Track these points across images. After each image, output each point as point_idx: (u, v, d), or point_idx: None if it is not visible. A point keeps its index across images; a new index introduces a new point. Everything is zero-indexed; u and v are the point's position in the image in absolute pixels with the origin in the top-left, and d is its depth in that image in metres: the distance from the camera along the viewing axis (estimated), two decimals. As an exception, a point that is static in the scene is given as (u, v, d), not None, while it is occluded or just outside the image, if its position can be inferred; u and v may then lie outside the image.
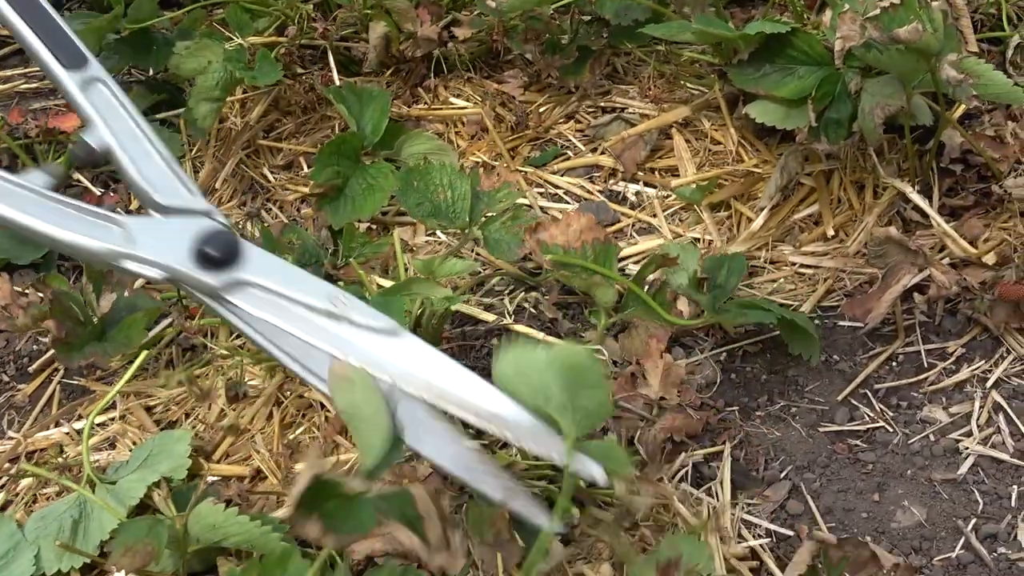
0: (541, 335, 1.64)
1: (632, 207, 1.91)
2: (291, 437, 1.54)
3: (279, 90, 2.08)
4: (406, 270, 1.65)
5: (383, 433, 1.14)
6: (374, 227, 1.85)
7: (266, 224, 1.89)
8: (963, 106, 1.85)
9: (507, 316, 1.67)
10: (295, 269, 1.33)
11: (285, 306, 1.27)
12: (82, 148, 1.45)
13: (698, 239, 1.83)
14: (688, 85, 2.07)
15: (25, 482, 1.53)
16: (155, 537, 1.25)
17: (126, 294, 1.67)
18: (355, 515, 1.14)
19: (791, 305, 1.72)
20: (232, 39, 1.93)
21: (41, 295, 1.60)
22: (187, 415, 1.61)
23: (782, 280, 1.76)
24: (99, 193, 1.97)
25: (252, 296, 1.28)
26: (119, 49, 2.09)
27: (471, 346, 1.61)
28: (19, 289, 1.76)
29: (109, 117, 1.47)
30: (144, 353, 1.53)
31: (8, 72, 2.33)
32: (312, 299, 1.27)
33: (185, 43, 1.94)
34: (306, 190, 1.93)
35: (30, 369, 1.73)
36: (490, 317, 1.64)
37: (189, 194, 1.39)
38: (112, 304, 1.64)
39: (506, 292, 1.74)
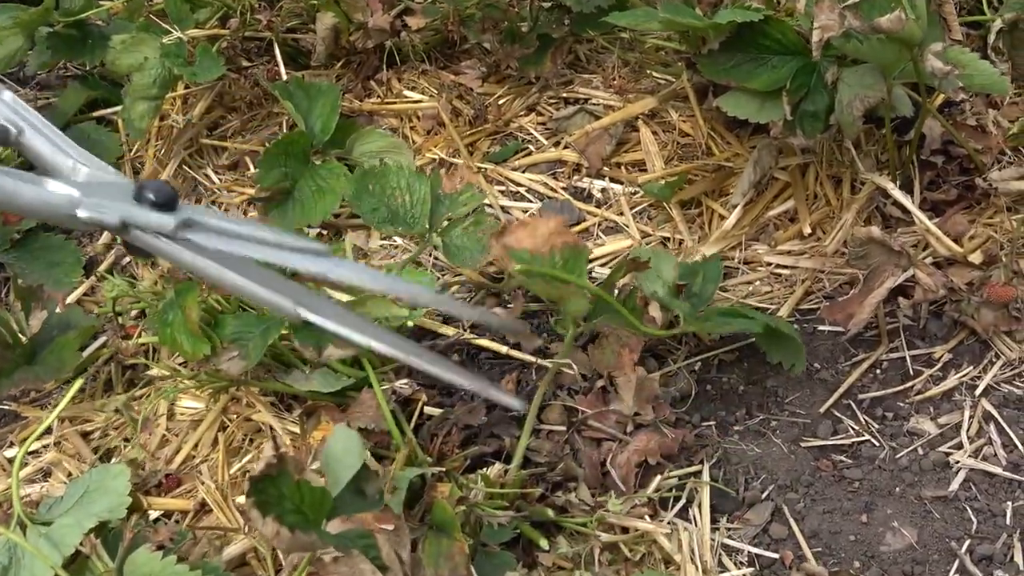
0: (504, 348, 1.53)
1: (598, 205, 1.81)
2: (237, 466, 1.44)
3: (223, 85, 1.97)
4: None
5: (350, 472, 1.16)
6: (325, 232, 1.74)
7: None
8: (942, 95, 1.76)
9: (466, 330, 1.57)
10: (221, 212, 1.38)
11: (233, 239, 1.20)
12: None
13: (668, 238, 1.74)
14: (654, 74, 1.97)
15: (-49, 519, 1.43)
16: (85, 595, 1.15)
17: (57, 310, 1.56)
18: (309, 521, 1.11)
19: (768, 309, 1.63)
20: (171, 32, 1.81)
21: None
22: (127, 440, 1.50)
23: (758, 282, 1.67)
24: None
25: (201, 233, 1.18)
26: (52, 43, 1.96)
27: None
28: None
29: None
30: (79, 382, 1.41)
31: None
32: (252, 231, 1.18)
33: (121, 37, 1.82)
34: (253, 192, 1.82)
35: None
36: (450, 331, 1.54)
37: (100, 163, 1.30)
38: (43, 323, 1.53)
39: (468, 301, 1.64)
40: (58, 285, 1.70)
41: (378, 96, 1.98)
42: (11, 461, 1.50)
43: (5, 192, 1.22)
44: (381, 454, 1.37)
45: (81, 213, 1.20)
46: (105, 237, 1.81)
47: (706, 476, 1.40)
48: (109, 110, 2.00)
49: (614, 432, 1.40)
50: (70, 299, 1.68)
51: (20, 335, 1.53)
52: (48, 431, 1.51)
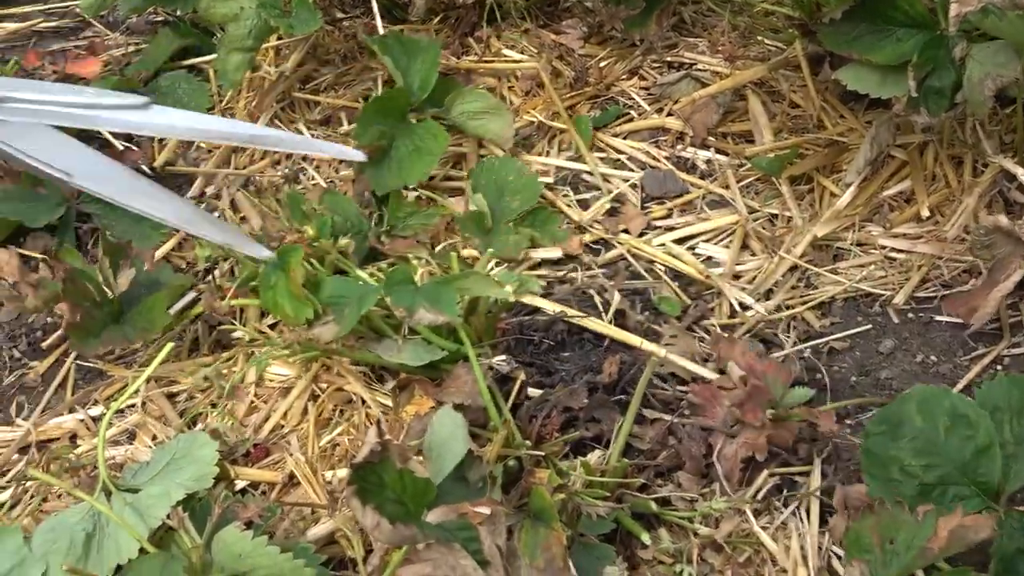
0: (609, 329, 1.47)
1: (702, 176, 1.73)
2: (327, 439, 1.39)
3: (317, 37, 1.91)
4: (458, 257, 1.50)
5: (455, 460, 1.15)
6: (422, 196, 1.68)
7: (302, 188, 1.73)
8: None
9: (569, 305, 1.50)
10: (41, 83, 1.47)
11: (42, 109, 1.32)
12: None
13: (776, 215, 1.66)
14: (765, 40, 1.88)
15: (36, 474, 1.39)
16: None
17: (146, 268, 1.52)
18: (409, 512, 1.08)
19: (881, 296, 1.55)
20: (268, -20, 1.76)
21: (53, 271, 1.45)
22: (213, 405, 1.46)
23: (872, 266, 1.59)
24: (121, 148, 1.81)
25: (10, 109, 1.32)
26: (144, -11, 1.92)
27: (528, 340, 1.45)
28: (34, 254, 1.62)
29: None
30: (169, 345, 1.37)
31: (27, 8, 2.15)
32: (66, 97, 1.33)
33: (217, -14, 1.76)
34: (346, 149, 1.76)
35: (43, 345, 1.58)
36: (550, 307, 1.47)
37: None
38: (131, 281, 1.49)
39: (566, 272, 1.58)
40: (145, 240, 1.66)
41: (476, 54, 1.91)
42: (95, 420, 1.47)
43: None
44: (475, 432, 1.32)
45: None
46: (195, 189, 1.76)
47: (816, 474, 1.33)
48: (200, 59, 1.95)
49: (722, 422, 1.33)
50: (158, 254, 1.64)
51: (108, 293, 1.49)
52: (134, 391, 1.47)
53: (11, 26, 2.09)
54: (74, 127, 1.35)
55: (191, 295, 1.58)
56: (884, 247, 1.60)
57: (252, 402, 1.44)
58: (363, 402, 1.42)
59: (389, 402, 1.41)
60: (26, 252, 1.67)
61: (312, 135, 1.82)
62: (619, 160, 1.76)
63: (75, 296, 1.43)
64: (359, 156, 1.34)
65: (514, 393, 1.37)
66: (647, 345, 1.44)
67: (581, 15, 1.94)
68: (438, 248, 1.57)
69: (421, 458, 1.15)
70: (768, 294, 1.57)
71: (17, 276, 1.47)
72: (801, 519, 1.29)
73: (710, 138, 1.77)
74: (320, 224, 1.48)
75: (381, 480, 1.05)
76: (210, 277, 1.55)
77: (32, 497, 1.38)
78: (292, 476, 1.35)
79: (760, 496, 1.31)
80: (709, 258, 1.62)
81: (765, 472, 1.32)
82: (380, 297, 1.36)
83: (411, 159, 1.66)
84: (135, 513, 1.22)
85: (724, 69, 1.84)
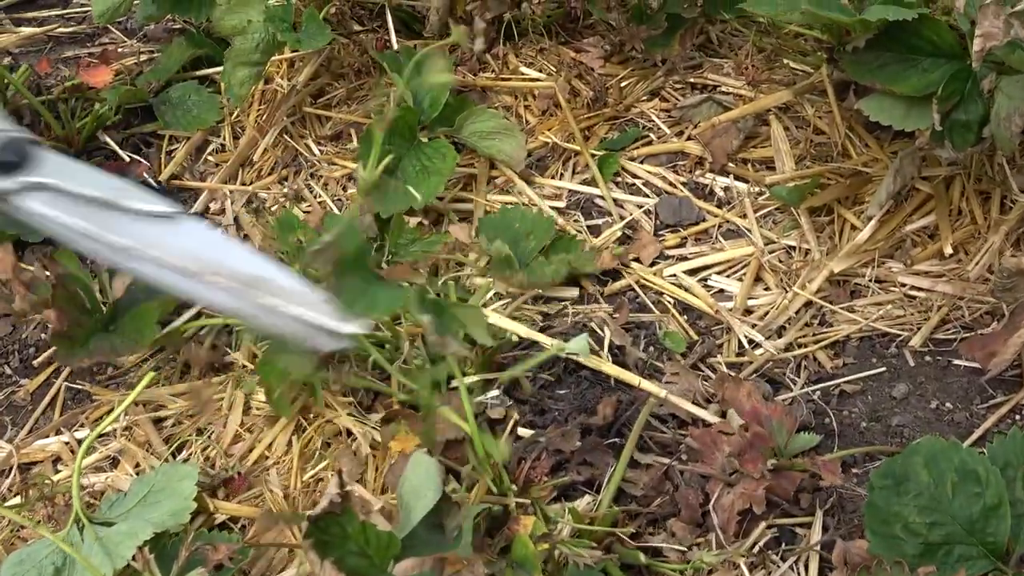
0: (608, 368, 1.41)
1: (720, 204, 1.67)
2: (311, 473, 1.34)
3: (331, 50, 1.87)
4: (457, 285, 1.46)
5: (426, 508, 1.11)
6: (425, 221, 1.64)
7: (308, 206, 1.69)
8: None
9: (568, 340, 1.45)
10: (87, 168, 1.19)
11: (66, 202, 1.15)
12: None
13: (793, 248, 1.60)
14: (791, 64, 1.82)
15: (12, 502, 1.36)
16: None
17: None
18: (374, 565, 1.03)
19: (898, 336, 1.48)
20: (280, -8, 1.72)
21: (48, 273, 1.42)
22: (200, 431, 1.42)
23: (889, 305, 1.52)
24: (127, 160, 1.78)
25: (41, 195, 1.15)
26: (159, 3, 1.88)
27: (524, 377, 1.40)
28: (30, 268, 1.59)
29: None
30: (150, 374, 1.33)
31: (46, 12, 2.13)
32: (98, 192, 1.16)
33: (228, -4, 1.73)
34: (354, 166, 1.72)
35: (35, 362, 1.55)
36: (548, 341, 1.42)
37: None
38: (126, 288, 1.45)
39: (568, 304, 1.52)
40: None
41: (493, 71, 1.86)
42: (80, 443, 1.44)
43: None
44: (459, 471, 1.27)
45: None
46: (200, 204, 1.73)
47: (818, 526, 1.27)
48: (213, 69, 1.91)
49: (721, 469, 1.27)
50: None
51: (101, 299, 1.45)
52: (115, 419, 1.44)
53: (28, 30, 2.06)
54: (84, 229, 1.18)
55: (187, 314, 1.54)
56: (904, 285, 1.54)
57: (237, 431, 1.40)
58: (349, 434, 1.37)
59: (378, 435, 1.36)
60: (23, 266, 1.63)
61: (322, 151, 1.78)
62: (635, 185, 1.71)
63: (64, 302, 1.39)
64: (351, 328, 1.22)
65: (506, 433, 1.32)
66: (645, 384, 1.39)
67: (603, 33, 1.89)
68: (440, 276, 1.52)
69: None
70: (780, 331, 1.51)
71: (10, 274, 1.43)
72: (799, 575, 1.23)
73: (730, 164, 1.71)
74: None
75: (344, 532, 1.01)
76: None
77: (8, 523, 1.35)
78: (271, 512, 1.31)
79: (756, 549, 1.25)
80: (721, 291, 1.56)
81: (763, 524, 1.27)
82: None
83: (417, 179, 1.61)
84: (103, 550, 1.18)
85: (748, 92, 1.78)
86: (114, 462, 1.41)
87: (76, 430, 1.45)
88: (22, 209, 1.14)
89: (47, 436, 1.45)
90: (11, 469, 1.42)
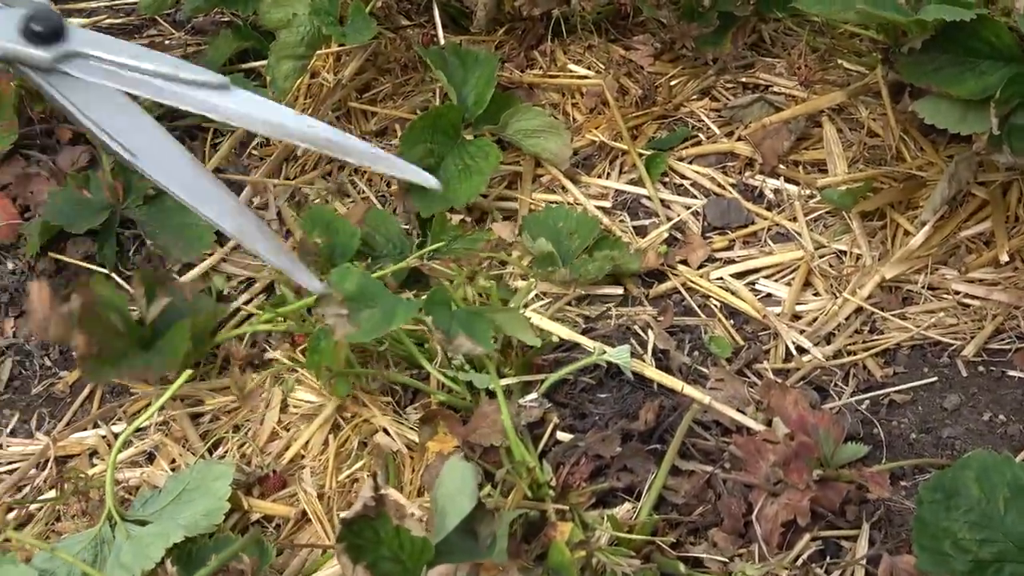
0: (651, 372, 1.38)
1: (769, 207, 1.64)
2: (347, 473, 1.33)
3: (378, 44, 1.85)
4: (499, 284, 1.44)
5: (460, 515, 1.08)
6: (468, 219, 1.61)
7: (351, 201, 1.67)
8: None
9: (611, 343, 1.42)
10: (125, 42, 1.31)
11: (117, 72, 1.26)
12: None
13: (844, 252, 1.56)
14: (845, 64, 1.78)
15: (47, 495, 1.36)
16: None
17: (187, 298, 1.47)
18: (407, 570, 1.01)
19: (951, 345, 1.44)
20: (327, -15, 1.70)
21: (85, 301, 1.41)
22: (237, 428, 1.41)
23: (941, 313, 1.48)
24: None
25: (85, 66, 1.26)
26: (207, -10, 1.87)
27: (563, 380, 1.37)
28: (74, 260, 1.58)
29: None
30: (187, 373, 1.32)
31: (94, 3, 2.12)
32: (144, 63, 1.27)
33: (275, -12, 1.71)
34: (398, 162, 1.69)
35: (75, 354, 1.54)
36: (590, 344, 1.39)
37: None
38: (163, 309, 1.43)
39: (611, 306, 1.50)
40: (187, 251, 1.61)
41: (540, 68, 1.83)
42: (117, 437, 1.42)
43: None
44: (495, 473, 1.25)
45: None
46: (243, 198, 1.71)
47: (864, 540, 1.23)
48: (259, 63, 1.89)
49: (765, 478, 1.24)
50: (196, 271, 1.59)
51: (137, 320, 1.44)
52: (150, 416, 1.43)
53: (76, 21, 2.05)
54: (145, 97, 1.28)
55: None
56: (958, 292, 1.50)
57: (273, 428, 1.39)
58: (386, 432, 1.35)
59: (415, 436, 1.34)
60: (66, 259, 1.63)
61: (366, 146, 1.75)
62: (683, 185, 1.68)
63: (93, 326, 1.38)
64: (433, 182, 1.25)
65: (545, 436, 1.30)
66: (689, 390, 1.35)
67: (653, 30, 1.85)
68: (481, 274, 1.50)
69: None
70: (828, 338, 1.47)
71: (47, 309, 1.43)
72: (845, 588, 1.20)
73: (780, 166, 1.68)
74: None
75: (377, 536, 0.99)
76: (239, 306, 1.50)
77: (44, 515, 1.34)
78: (305, 513, 1.29)
79: (800, 561, 1.22)
80: (768, 296, 1.53)
81: (808, 536, 1.23)
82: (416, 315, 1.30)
83: (460, 178, 1.59)
84: (133, 550, 1.17)
85: (800, 93, 1.74)
86: (150, 457, 1.40)
87: (114, 423, 1.44)
88: (62, 82, 1.26)
89: (84, 429, 1.44)
90: (47, 462, 1.41)
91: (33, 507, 1.34)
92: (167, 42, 1.98)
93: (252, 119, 1.28)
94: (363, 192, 1.70)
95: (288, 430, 1.39)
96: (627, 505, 1.25)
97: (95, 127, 1.25)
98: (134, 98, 1.28)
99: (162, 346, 1.39)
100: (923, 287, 1.51)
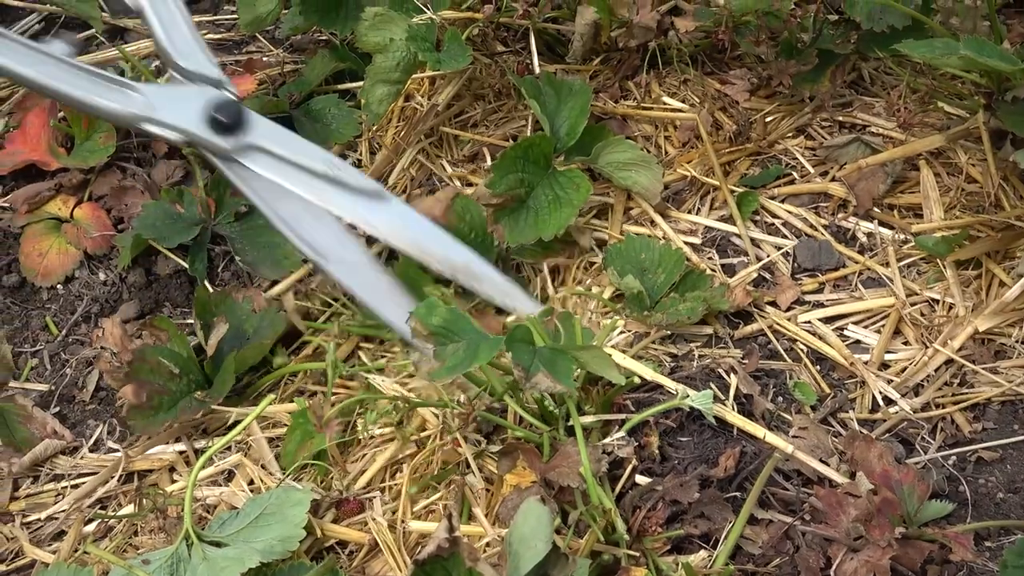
0: (728, 415, 1.37)
1: (861, 251, 1.61)
2: (422, 504, 1.32)
3: (473, 70, 1.85)
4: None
5: (535, 559, 1.10)
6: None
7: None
8: None
9: (694, 385, 1.40)
10: (296, 137, 1.48)
11: (288, 169, 1.43)
12: (119, 3, 1.55)
13: (936, 301, 1.53)
14: (946, 108, 1.74)
15: (125, 510, 1.37)
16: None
17: (253, 309, 1.49)
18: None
19: (1043, 404, 1.41)
20: (424, 10, 1.70)
21: (154, 337, 1.44)
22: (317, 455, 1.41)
23: (1036, 370, 1.45)
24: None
25: (260, 159, 1.44)
26: (305, 7, 1.87)
27: (644, 422, 1.35)
28: (164, 273, 1.61)
29: None
30: (269, 397, 1.32)
31: (196, 18, 2.15)
32: (312, 163, 1.44)
33: (373, 10, 1.72)
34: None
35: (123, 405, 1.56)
36: (673, 385, 1.38)
37: (207, 61, 1.50)
38: (218, 343, 1.45)
39: (696, 346, 1.48)
40: (275, 269, 1.63)
41: (634, 99, 1.82)
42: (197, 452, 1.44)
43: (77, 102, 1.45)
44: (569, 512, 1.24)
45: (148, 128, 1.45)
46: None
47: (945, 603, 1.21)
48: (354, 84, 1.91)
49: (845, 533, 1.22)
50: (277, 289, 1.60)
51: (199, 362, 1.47)
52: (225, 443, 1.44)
53: (179, 35, 2.08)
54: (305, 197, 1.44)
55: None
56: (1053, 349, 1.46)
57: (352, 453, 1.39)
58: (467, 464, 1.35)
59: (493, 467, 1.34)
60: (157, 272, 1.66)
61: (456, 170, 1.76)
62: (774, 224, 1.66)
63: (144, 374, 1.41)
64: (535, 306, 1.45)
65: (623, 478, 1.29)
66: (771, 437, 1.33)
67: (751, 65, 1.84)
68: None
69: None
70: (916, 389, 1.45)
71: (119, 345, 1.46)
72: (921, 653, 1.17)
73: (875, 209, 1.65)
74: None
75: (449, 576, 0.99)
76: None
77: (122, 529, 1.36)
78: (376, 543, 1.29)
79: (876, 619, 1.19)
80: (857, 342, 1.51)
81: (884, 596, 1.20)
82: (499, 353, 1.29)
83: (549, 209, 1.59)
84: (208, 572, 1.18)
85: (898, 135, 1.71)
86: (228, 476, 1.41)
87: (194, 439, 1.45)
88: (239, 171, 1.44)
89: (165, 443, 1.45)
90: (125, 476, 1.43)
91: (111, 520, 1.36)
92: (265, 59, 2.00)
93: (400, 237, 1.45)
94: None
95: (366, 454, 1.39)
96: (703, 553, 1.23)
97: (280, 222, 1.43)
98: None
99: (218, 382, 1.42)
100: (1017, 341, 1.48)
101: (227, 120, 1.42)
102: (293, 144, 1.46)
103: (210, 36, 2.10)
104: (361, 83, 1.85)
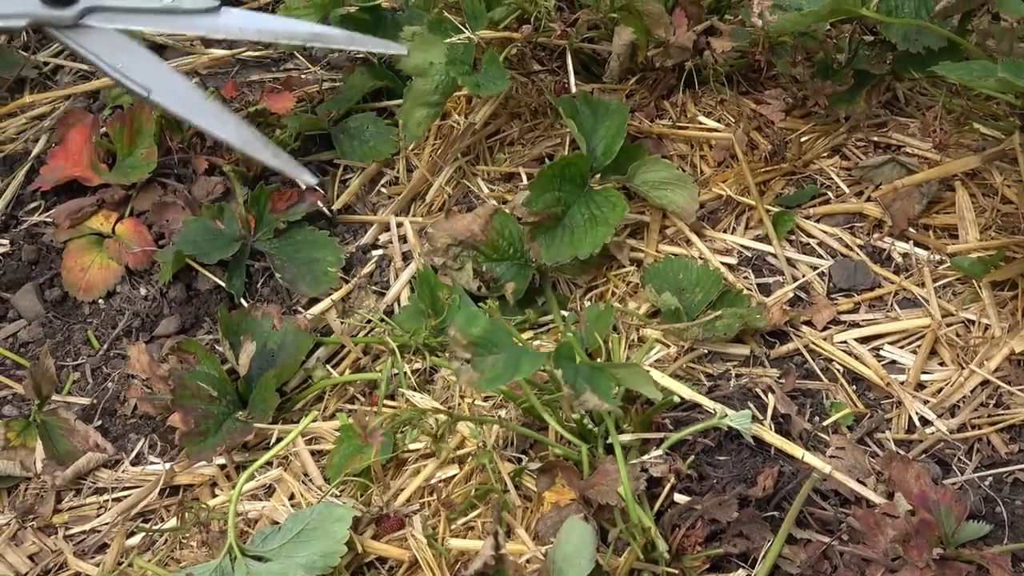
0: (767, 435, 1.37)
1: (897, 271, 1.62)
2: (463, 521, 1.34)
3: (510, 89, 1.86)
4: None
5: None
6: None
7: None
8: None
9: (731, 404, 1.41)
10: None
11: (128, 16, 1.45)
12: None
13: (972, 322, 1.54)
14: (981, 129, 1.75)
15: (168, 524, 1.39)
16: None
17: (275, 324, 1.51)
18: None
19: (1080, 426, 1.41)
20: (462, 30, 1.72)
21: (182, 361, 1.46)
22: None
23: (1072, 393, 1.45)
24: (303, 187, 1.80)
25: (101, 17, 1.45)
26: (344, 25, 1.90)
27: (682, 440, 1.36)
28: (203, 288, 1.63)
29: None
30: (313, 414, 1.34)
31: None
32: (149, 2, 1.46)
33: (412, 29, 1.74)
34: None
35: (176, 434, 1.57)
36: (711, 404, 1.39)
37: None
38: (250, 360, 1.47)
39: (733, 365, 1.49)
40: (314, 286, 1.65)
41: (670, 118, 1.84)
42: (238, 468, 1.46)
43: None
44: (608, 529, 1.25)
45: None
46: (369, 236, 1.74)
47: (982, 625, 1.21)
48: (392, 102, 1.92)
49: (883, 554, 1.23)
50: (318, 308, 1.62)
51: (231, 377, 1.50)
52: (277, 441, 1.46)
53: (218, 52, 2.11)
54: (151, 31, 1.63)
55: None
56: (1090, 370, 1.47)
57: (392, 468, 1.41)
58: (511, 485, 1.36)
59: (532, 484, 1.35)
60: (198, 287, 1.68)
61: (492, 189, 1.77)
62: (809, 244, 1.66)
63: (187, 400, 1.43)
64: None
65: (662, 496, 1.30)
66: (809, 457, 1.34)
67: (786, 85, 1.85)
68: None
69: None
70: (953, 410, 1.45)
71: (147, 372, 1.48)
72: (959, 674, 1.18)
73: (910, 229, 1.66)
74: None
75: (493, 594, 1.00)
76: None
77: (165, 542, 1.37)
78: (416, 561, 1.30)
79: (915, 643, 1.20)
80: (893, 363, 1.51)
81: (922, 619, 1.21)
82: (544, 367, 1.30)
83: (585, 227, 1.60)
84: (253, 585, 1.19)
85: (933, 155, 1.72)
86: (269, 490, 1.43)
87: (234, 453, 1.47)
88: (81, 37, 1.44)
89: (207, 459, 1.47)
90: (168, 490, 1.44)
91: (154, 533, 1.38)
92: (303, 76, 2.02)
93: (245, 31, 1.48)
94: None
95: (406, 470, 1.40)
96: (741, 572, 1.24)
97: (113, 71, 1.43)
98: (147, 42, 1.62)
99: (255, 402, 1.44)
100: (1053, 364, 1.48)
101: None
102: None
103: (248, 54, 2.12)
104: (398, 101, 1.87)
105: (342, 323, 1.60)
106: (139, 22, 1.46)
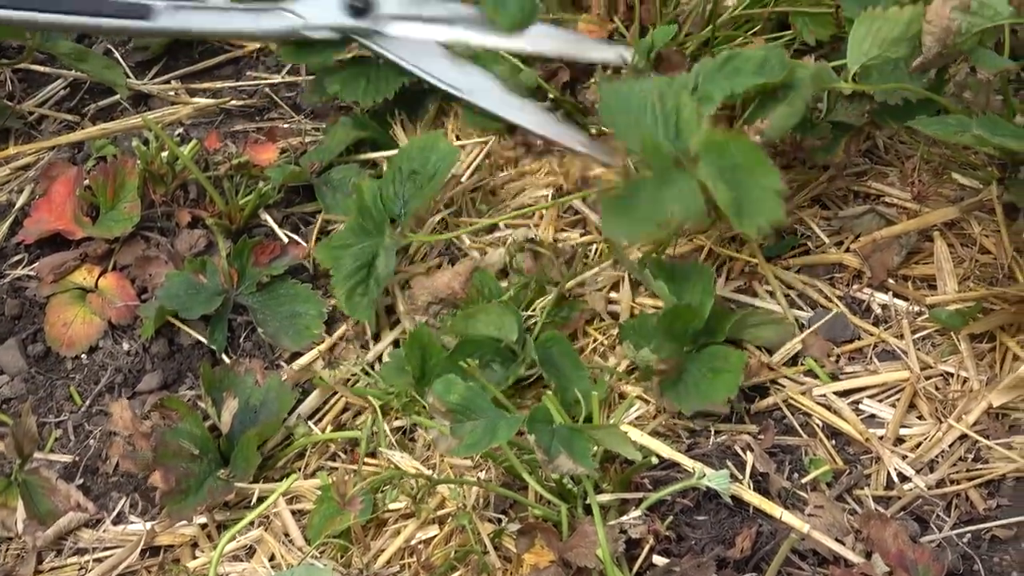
0: (745, 494, 1.38)
1: (876, 322, 1.63)
2: (439, 584, 1.34)
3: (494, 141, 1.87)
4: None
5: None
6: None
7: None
8: None
9: (710, 463, 1.42)
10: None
11: (420, 26, 1.78)
12: None
13: (951, 375, 1.55)
14: (959, 179, 1.76)
15: (151, 585, 1.40)
16: None
17: (258, 379, 1.51)
18: None
19: (1057, 482, 1.42)
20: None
21: (164, 418, 1.47)
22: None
23: (1051, 448, 1.46)
24: (285, 239, 1.81)
25: (396, 25, 1.77)
26: (329, 80, 1.91)
27: (662, 502, 1.37)
28: (186, 344, 1.63)
29: None
30: (292, 477, 1.35)
31: (219, 84, 2.18)
32: (438, 11, 1.78)
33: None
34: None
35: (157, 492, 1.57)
36: (689, 463, 1.39)
37: None
38: (234, 416, 1.48)
39: (712, 422, 1.49)
40: (296, 340, 1.65)
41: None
42: (220, 528, 1.46)
43: (234, 33, 1.90)
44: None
45: (306, 34, 1.81)
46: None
47: None
48: (376, 154, 1.92)
49: (858, 616, 1.23)
50: (304, 359, 1.63)
51: (214, 436, 1.50)
52: (259, 502, 1.46)
53: (202, 102, 2.12)
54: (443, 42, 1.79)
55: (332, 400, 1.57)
56: (1068, 424, 1.48)
57: (371, 528, 1.41)
58: (484, 546, 1.36)
59: (511, 545, 1.35)
60: (180, 342, 1.68)
61: (474, 242, 1.78)
62: (789, 295, 1.67)
63: (168, 459, 1.44)
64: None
65: (641, 557, 1.30)
66: (787, 516, 1.35)
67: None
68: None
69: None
70: (931, 465, 1.46)
71: (130, 428, 1.48)
72: None
73: (890, 280, 1.67)
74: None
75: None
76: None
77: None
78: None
79: None
80: (872, 416, 1.52)
81: None
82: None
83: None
84: (230, 653, 1.19)
85: (912, 206, 1.73)
86: (250, 551, 1.43)
87: (215, 513, 1.47)
88: (381, 41, 1.76)
89: (188, 521, 1.47)
90: (149, 551, 1.45)
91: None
92: (286, 126, 2.03)
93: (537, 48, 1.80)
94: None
95: (385, 530, 1.41)
96: (719, 637, 1.24)
97: (424, 74, 1.73)
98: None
99: (236, 460, 1.44)
100: (1033, 418, 1.49)
101: (361, 4, 1.77)
102: (423, 5, 1.79)
103: (233, 103, 2.13)
104: (383, 153, 1.89)
105: (331, 373, 1.60)
106: (430, 32, 1.74)
